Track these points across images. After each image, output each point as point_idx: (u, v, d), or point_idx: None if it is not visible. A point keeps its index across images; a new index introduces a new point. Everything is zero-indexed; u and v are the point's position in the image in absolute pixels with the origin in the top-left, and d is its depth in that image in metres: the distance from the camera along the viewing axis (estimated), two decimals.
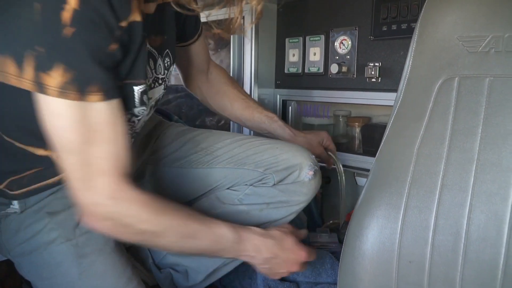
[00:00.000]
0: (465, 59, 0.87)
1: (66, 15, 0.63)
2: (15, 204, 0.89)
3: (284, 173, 1.08)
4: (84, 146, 0.73)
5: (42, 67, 0.65)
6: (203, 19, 0.87)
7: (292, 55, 1.55)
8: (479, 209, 0.82)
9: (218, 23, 0.82)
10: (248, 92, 1.62)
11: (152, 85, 0.94)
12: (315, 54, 1.47)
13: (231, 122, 1.73)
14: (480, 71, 0.85)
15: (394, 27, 1.25)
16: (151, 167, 1.16)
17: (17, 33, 0.65)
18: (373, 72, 1.30)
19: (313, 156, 1.13)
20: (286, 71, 1.58)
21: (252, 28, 1.59)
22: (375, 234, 0.96)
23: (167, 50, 0.98)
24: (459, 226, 0.85)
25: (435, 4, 0.92)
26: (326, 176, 1.74)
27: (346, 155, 1.46)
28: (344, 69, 1.38)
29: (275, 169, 1.08)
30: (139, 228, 0.82)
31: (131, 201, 0.80)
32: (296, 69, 1.55)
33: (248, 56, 1.61)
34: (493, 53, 0.84)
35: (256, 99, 1.61)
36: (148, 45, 0.88)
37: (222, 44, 1.84)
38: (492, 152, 0.82)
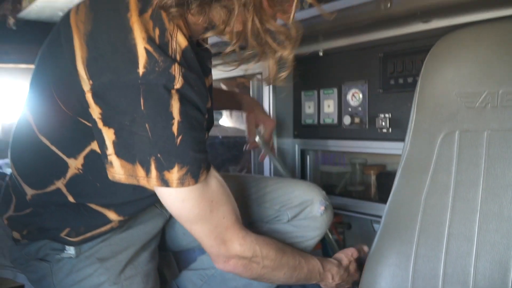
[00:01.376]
0: (464, 114, 0.92)
1: (175, 128, 0.80)
2: (71, 250, 1.00)
3: (297, 209, 1.18)
4: (209, 215, 0.91)
5: (164, 168, 0.82)
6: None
7: (308, 107, 1.62)
8: (484, 258, 0.85)
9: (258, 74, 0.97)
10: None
11: None
12: (329, 106, 1.54)
13: (252, 169, 1.79)
14: (479, 126, 0.90)
15: (401, 80, 1.31)
16: None
17: (139, 147, 0.81)
18: (383, 123, 1.36)
19: (324, 192, 1.22)
20: (303, 122, 1.65)
21: None
22: (387, 282, 1.00)
23: None
24: (466, 275, 0.88)
25: (433, 62, 0.98)
26: (347, 222, 1.77)
27: (363, 203, 1.50)
28: (356, 120, 1.44)
29: (289, 206, 1.18)
30: (263, 264, 1.01)
31: (254, 242, 0.99)
32: (312, 120, 1.62)
33: (266, 108, 1.69)
34: (490, 108, 0.89)
35: (276, 148, 1.69)
36: None
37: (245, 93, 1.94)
38: (493, 202, 0.86)
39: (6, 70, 2.14)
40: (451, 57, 0.95)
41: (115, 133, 0.81)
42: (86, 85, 0.80)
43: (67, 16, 0.87)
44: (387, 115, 1.37)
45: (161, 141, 0.80)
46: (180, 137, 0.81)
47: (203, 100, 0.85)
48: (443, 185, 0.94)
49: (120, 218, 1.00)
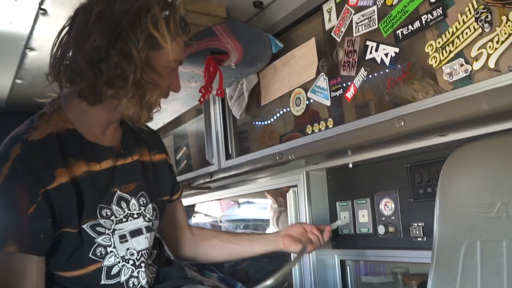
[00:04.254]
0: (483, 224, 0.95)
1: None
2: None
3: None
4: None
5: None
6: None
7: (344, 217, 1.66)
8: None
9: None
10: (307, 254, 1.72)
11: (124, 219, 1.20)
12: (364, 216, 1.58)
13: (294, 281, 1.80)
14: (497, 236, 0.92)
15: (429, 190, 1.34)
16: None
17: None
18: (417, 232, 1.37)
19: None
20: (340, 232, 1.68)
21: (304, 193, 1.74)
22: None
23: (142, 192, 1.26)
24: None
25: (448, 175, 1.03)
26: None
27: None
28: (391, 229, 1.46)
29: None
30: None
31: None
32: (348, 230, 1.64)
33: (303, 219, 1.74)
34: (505, 218, 0.92)
35: (315, 260, 1.71)
36: (119, 192, 1.20)
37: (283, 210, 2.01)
38: None
39: None
40: (464, 170, 1.00)
41: None
42: None
43: None
44: (420, 224, 1.38)
45: None
46: None
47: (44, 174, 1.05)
48: None
49: None
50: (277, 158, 1.69)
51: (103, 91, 1.10)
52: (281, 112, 1.83)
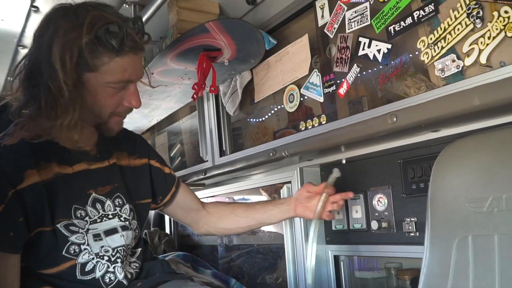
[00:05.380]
0: (474, 219, 0.96)
1: None
2: None
3: None
4: None
5: None
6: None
7: (337, 213, 1.67)
8: None
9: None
10: (300, 249, 1.73)
11: (98, 220, 1.22)
12: (357, 212, 1.59)
13: (288, 278, 1.80)
14: (488, 230, 0.93)
15: (421, 185, 1.36)
16: None
17: None
18: (410, 227, 1.38)
19: None
20: (333, 228, 1.69)
21: (298, 189, 1.75)
22: None
23: (118, 193, 1.28)
24: None
25: (440, 170, 1.04)
26: None
27: None
28: (384, 224, 1.47)
29: None
30: None
31: None
32: (342, 226, 1.65)
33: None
34: (497, 213, 0.92)
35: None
36: (94, 194, 1.22)
37: None
38: None
39: None
40: (456, 165, 1.01)
41: None
42: None
43: None
44: (412, 219, 1.39)
45: None
46: None
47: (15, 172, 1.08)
48: None
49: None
50: (271, 154, 1.69)
51: (37, 114, 1.13)
52: (274, 109, 1.83)
